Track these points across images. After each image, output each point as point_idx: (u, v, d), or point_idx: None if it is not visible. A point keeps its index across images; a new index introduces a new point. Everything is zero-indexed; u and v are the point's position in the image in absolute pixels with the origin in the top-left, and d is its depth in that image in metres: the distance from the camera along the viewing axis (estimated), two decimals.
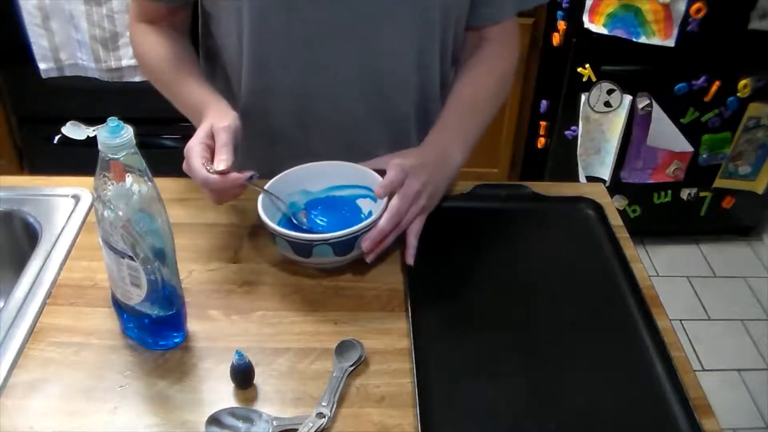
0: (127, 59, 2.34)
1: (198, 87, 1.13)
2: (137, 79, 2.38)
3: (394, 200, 1.01)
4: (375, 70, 1.14)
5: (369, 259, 1.02)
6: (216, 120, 1.02)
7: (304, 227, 1.07)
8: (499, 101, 1.25)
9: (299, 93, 1.16)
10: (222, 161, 0.97)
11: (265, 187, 1.05)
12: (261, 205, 1.01)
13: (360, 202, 1.11)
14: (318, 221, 1.10)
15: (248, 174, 1.00)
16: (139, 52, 1.22)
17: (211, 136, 1.00)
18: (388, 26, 1.10)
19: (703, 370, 2.46)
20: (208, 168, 0.96)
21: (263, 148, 1.23)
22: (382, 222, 1.00)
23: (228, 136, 0.99)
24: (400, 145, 1.14)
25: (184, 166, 1.00)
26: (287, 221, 1.08)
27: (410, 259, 1.03)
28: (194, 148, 0.98)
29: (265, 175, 1.07)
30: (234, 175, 0.97)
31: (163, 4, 1.18)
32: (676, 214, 2.89)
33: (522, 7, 1.22)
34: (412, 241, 1.04)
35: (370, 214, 1.08)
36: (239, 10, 1.09)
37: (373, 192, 1.03)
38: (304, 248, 0.99)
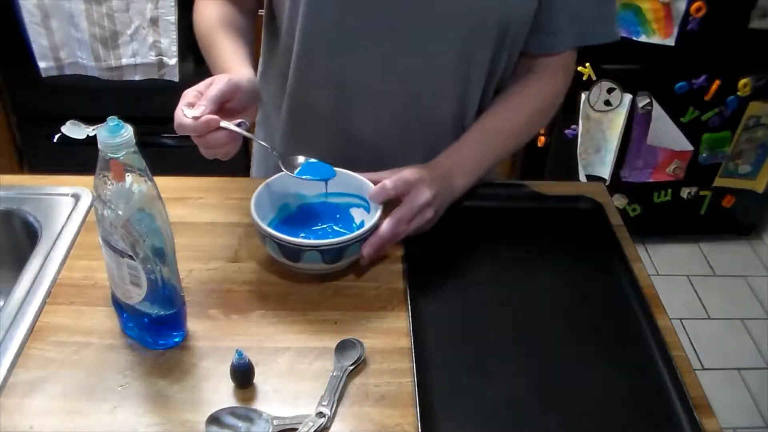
0: (126, 58, 2.34)
1: (233, 50, 1.11)
2: (137, 77, 2.38)
3: (399, 208, 1.01)
4: (416, 71, 1.12)
5: (364, 262, 1.02)
6: (225, 75, 1.00)
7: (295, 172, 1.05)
8: (528, 135, 1.23)
9: (340, 83, 1.15)
10: (199, 108, 0.93)
11: (264, 184, 1.05)
12: (254, 205, 1.01)
13: (353, 211, 1.10)
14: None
15: (237, 121, 0.98)
16: (195, 20, 1.21)
17: (209, 86, 0.97)
18: (437, 31, 1.08)
19: (703, 369, 2.46)
20: (186, 113, 0.94)
21: (303, 134, 1.23)
22: (383, 228, 1.00)
23: (220, 89, 0.96)
24: (432, 156, 1.13)
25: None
26: (279, 225, 1.07)
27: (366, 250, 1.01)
28: (186, 94, 0.96)
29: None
30: (207, 117, 0.93)
31: None
32: (676, 213, 2.89)
33: (582, 43, 1.16)
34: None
35: (362, 224, 1.08)
36: None
37: (368, 199, 1.03)
38: (293, 252, 0.98)
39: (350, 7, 1.07)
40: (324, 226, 1.10)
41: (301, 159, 1.07)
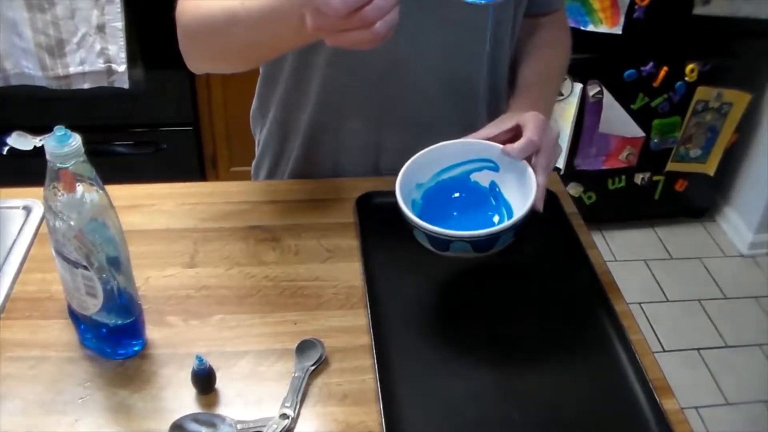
0: (74, 66, 2.30)
1: None
2: (86, 86, 2.35)
3: (542, 156, 0.98)
4: (452, 42, 1.13)
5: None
6: None
7: None
8: (561, 81, 1.30)
9: (381, 64, 1.13)
10: None
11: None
12: (400, 192, 0.96)
13: (475, 176, 1.04)
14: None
15: None
16: (186, 13, 1.03)
17: None
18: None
19: (664, 351, 2.50)
20: None
21: (333, 126, 1.21)
22: (540, 181, 0.96)
23: None
24: (469, 123, 1.12)
25: (313, 21, 0.80)
26: (423, 215, 0.98)
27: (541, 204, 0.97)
28: None
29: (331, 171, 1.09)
30: None
31: None
32: (630, 198, 2.93)
33: None
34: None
35: (493, 184, 1.03)
36: None
37: (503, 153, 0.98)
38: (442, 243, 0.93)
39: None
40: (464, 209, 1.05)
41: None
